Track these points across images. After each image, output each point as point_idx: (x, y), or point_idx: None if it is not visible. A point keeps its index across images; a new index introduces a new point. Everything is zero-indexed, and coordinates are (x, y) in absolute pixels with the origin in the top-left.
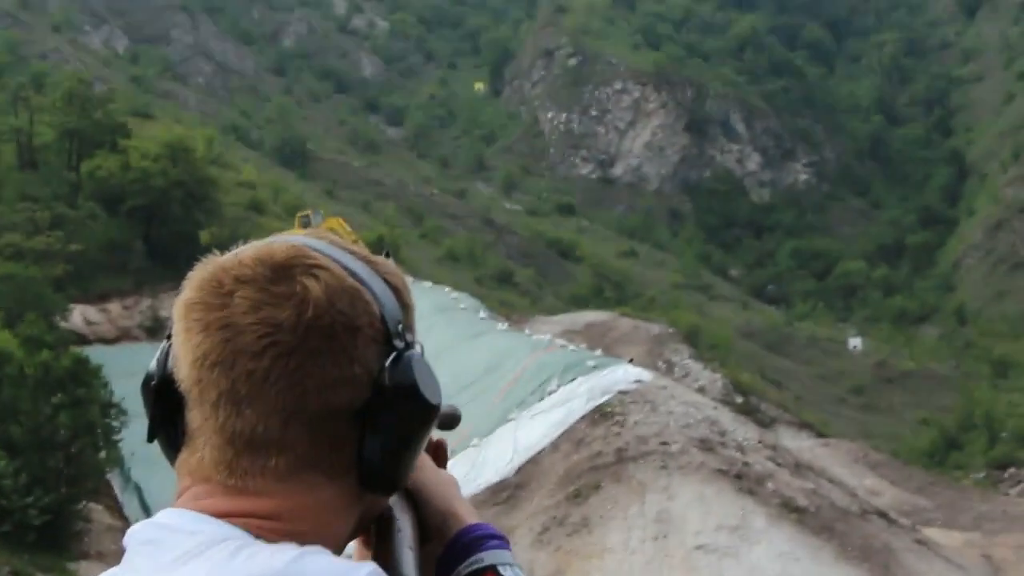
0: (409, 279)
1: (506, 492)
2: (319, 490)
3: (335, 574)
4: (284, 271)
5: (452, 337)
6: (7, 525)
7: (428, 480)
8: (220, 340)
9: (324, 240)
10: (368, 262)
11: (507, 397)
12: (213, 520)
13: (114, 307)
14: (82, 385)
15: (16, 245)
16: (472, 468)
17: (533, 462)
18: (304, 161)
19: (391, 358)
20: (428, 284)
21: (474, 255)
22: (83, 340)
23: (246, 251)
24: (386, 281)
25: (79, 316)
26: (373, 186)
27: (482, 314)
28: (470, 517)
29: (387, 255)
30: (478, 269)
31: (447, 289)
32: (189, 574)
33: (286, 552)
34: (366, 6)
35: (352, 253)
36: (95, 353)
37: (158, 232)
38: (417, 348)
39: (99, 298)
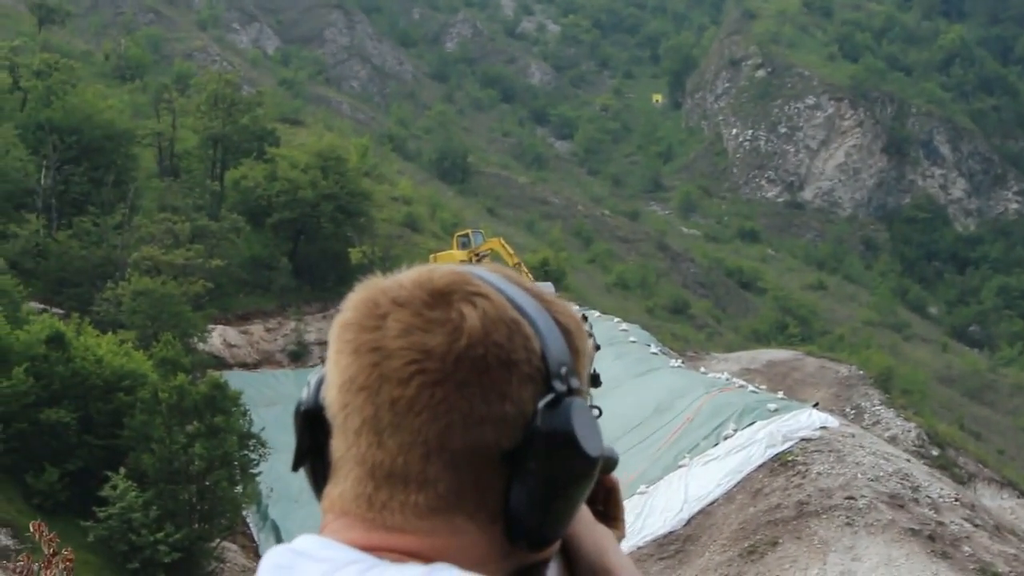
0: (575, 307)
1: (674, 545)
2: (463, 535)
3: None
4: (443, 296)
5: (620, 373)
6: (136, 562)
7: (581, 531)
8: (368, 364)
9: (496, 272)
10: (539, 299)
11: (678, 441)
12: (347, 548)
13: (256, 329)
14: (220, 413)
15: (153, 259)
16: (637, 518)
17: (705, 513)
18: (464, 175)
19: (547, 400)
20: (596, 314)
21: (647, 283)
22: (222, 364)
23: (409, 274)
24: (556, 320)
25: (218, 338)
26: (538, 205)
27: (653, 348)
28: (624, 573)
29: (585, 319)
30: (650, 299)
31: (616, 320)
32: None
33: (413, 568)
34: (536, 8)
35: (523, 288)
36: (234, 378)
37: (306, 249)
38: (584, 399)
39: (240, 319)
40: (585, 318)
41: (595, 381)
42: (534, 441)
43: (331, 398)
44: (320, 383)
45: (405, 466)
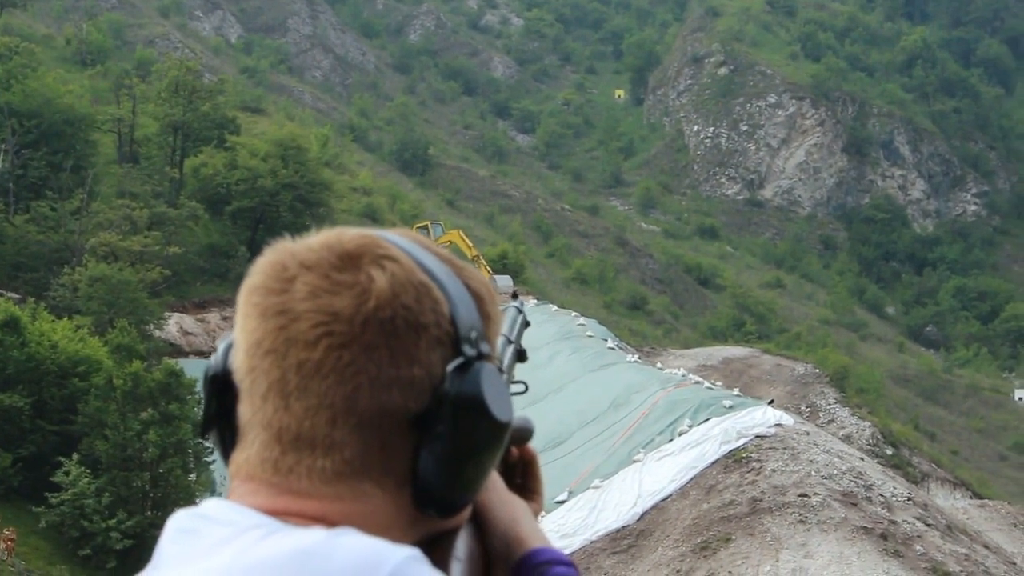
0: (533, 301)
1: (627, 540)
2: (369, 500)
3: (371, 551)
4: (351, 259)
5: (577, 367)
6: (87, 548)
7: (492, 500)
8: (275, 327)
9: (406, 236)
10: (450, 264)
11: (633, 436)
12: (252, 512)
13: (213, 317)
14: (174, 400)
15: (110, 245)
16: (591, 512)
17: (658, 508)
18: (425, 167)
19: (456, 364)
20: (553, 308)
21: (605, 278)
22: (178, 352)
23: (318, 237)
24: (467, 286)
25: (175, 325)
26: (498, 198)
27: (610, 343)
28: (535, 541)
29: (515, 296)
30: (609, 294)
31: (574, 314)
32: (214, 562)
33: (317, 532)
34: (499, 1)
35: (433, 252)
36: (190, 366)
37: (264, 238)
38: (494, 364)
39: (197, 307)
40: (516, 295)
41: (521, 356)
42: (442, 405)
43: (238, 362)
44: (228, 348)
45: (311, 430)
